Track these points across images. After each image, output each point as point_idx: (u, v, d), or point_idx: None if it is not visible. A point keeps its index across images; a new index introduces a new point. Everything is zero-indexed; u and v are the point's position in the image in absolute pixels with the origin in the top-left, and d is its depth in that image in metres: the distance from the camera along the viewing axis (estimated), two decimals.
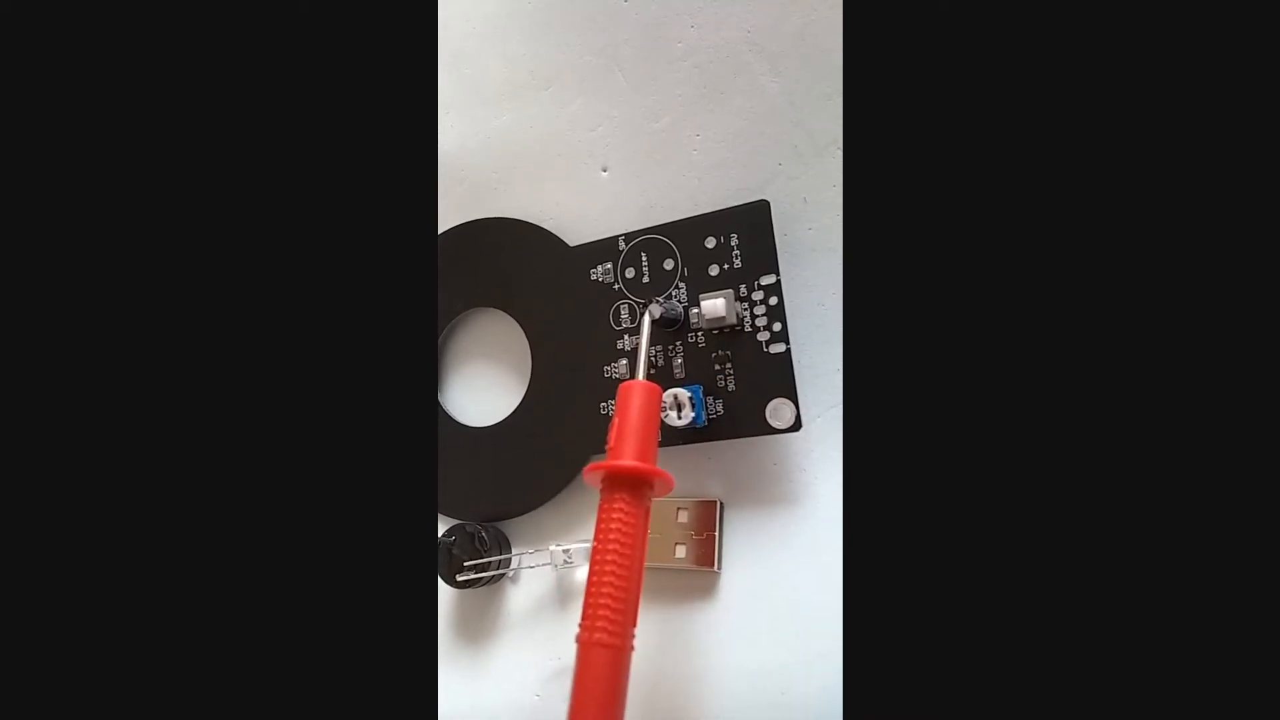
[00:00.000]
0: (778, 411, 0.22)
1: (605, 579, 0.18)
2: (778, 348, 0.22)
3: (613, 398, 0.24)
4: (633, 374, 0.22)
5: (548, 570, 0.26)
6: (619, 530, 0.19)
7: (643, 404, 0.20)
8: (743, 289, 0.22)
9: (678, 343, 0.23)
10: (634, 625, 0.19)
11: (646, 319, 0.22)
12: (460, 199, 0.29)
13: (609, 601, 0.18)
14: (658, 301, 0.23)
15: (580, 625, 0.18)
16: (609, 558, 0.18)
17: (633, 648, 0.18)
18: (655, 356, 0.24)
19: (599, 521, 0.19)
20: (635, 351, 0.23)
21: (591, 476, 0.20)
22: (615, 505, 0.19)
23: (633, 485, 0.19)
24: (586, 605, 0.18)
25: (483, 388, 0.29)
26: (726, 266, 0.23)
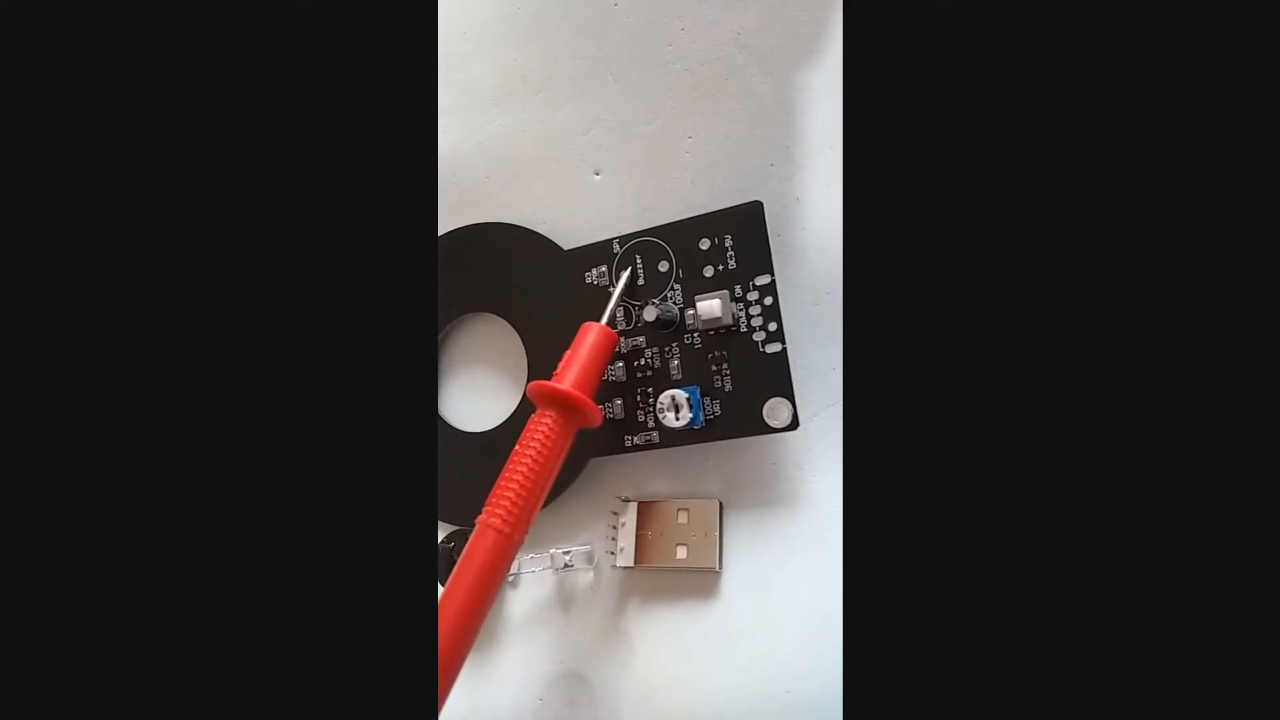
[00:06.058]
0: (775, 411, 0.22)
1: (516, 476, 0.21)
2: (774, 347, 0.22)
3: (610, 400, 0.24)
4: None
5: (548, 574, 0.26)
6: (541, 439, 0.21)
7: (594, 343, 0.23)
8: (738, 289, 0.22)
9: (674, 344, 0.23)
10: (528, 523, 0.21)
11: (626, 274, 0.24)
12: (453, 204, 0.29)
13: (512, 495, 0.20)
14: (654, 303, 0.23)
15: (484, 508, 0.21)
16: (526, 459, 0.21)
17: (521, 541, 0.21)
18: (652, 358, 0.24)
19: (526, 429, 0.22)
20: (608, 298, 0.24)
21: (533, 392, 0.22)
22: (544, 419, 0.21)
23: (564, 406, 0.22)
24: (493, 494, 0.21)
25: (479, 393, 0.29)
26: (721, 267, 0.23)
